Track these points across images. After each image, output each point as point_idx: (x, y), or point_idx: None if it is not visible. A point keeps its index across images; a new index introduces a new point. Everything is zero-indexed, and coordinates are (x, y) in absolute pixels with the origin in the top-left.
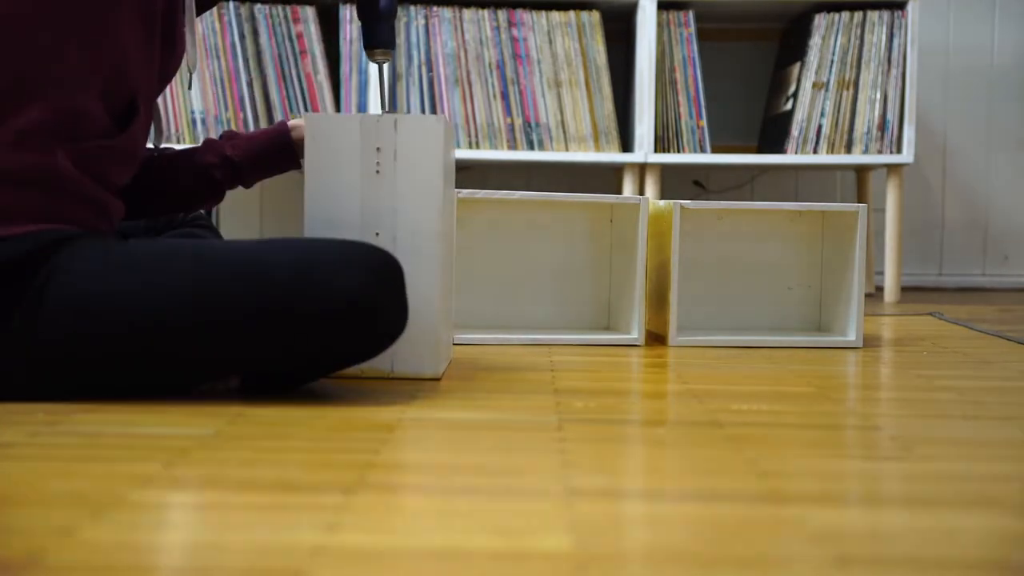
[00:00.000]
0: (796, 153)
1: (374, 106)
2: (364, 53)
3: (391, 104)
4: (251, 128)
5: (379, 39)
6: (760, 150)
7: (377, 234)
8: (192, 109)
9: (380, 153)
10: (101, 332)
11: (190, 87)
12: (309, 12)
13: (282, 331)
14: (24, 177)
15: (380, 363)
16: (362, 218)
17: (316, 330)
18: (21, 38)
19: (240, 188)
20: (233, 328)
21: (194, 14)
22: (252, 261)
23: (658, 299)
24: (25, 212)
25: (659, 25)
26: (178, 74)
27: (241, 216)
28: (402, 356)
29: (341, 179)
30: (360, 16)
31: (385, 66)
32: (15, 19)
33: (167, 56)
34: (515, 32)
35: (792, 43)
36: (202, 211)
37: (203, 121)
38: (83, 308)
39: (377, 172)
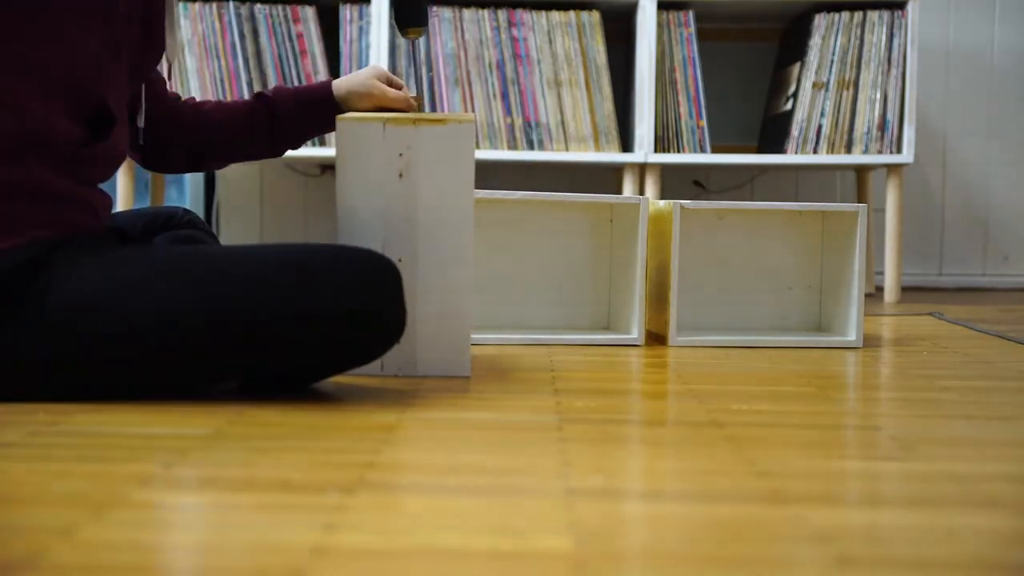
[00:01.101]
0: (796, 153)
1: None
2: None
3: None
4: None
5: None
6: (760, 150)
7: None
8: None
9: (402, 159)
10: (98, 337)
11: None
12: (309, 12)
13: (279, 336)
14: (3, 190)
15: (407, 366)
16: (386, 223)
17: (313, 335)
18: None
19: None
20: (229, 333)
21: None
22: (249, 266)
23: (658, 299)
24: (12, 222)
25: (659, 25)
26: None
27: (241, 219)
28: (431, 358)
29: (367, 183)
30: None
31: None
32: None
33: (147, 55)
34: (515, 32)
35: (792, 43)
36: (197, 214)
37: None
38: (82, 314)
39: (400, 177)
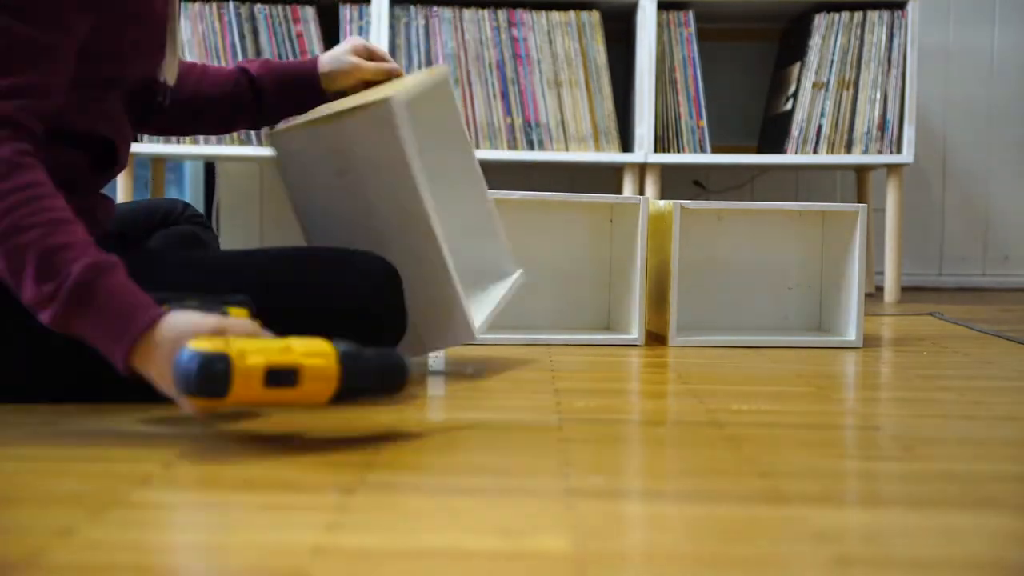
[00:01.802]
0: (796, 153)
1: None
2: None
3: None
4: None
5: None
6: (760, 150)
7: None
8: None
9: (337, 156)
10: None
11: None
12: (309, 12)
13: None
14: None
15: (417, 348)
16: (342, 223)
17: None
18: None
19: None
20: None
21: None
22: (249, 270)
23: (658, 299)
24: None
25: (659, 25)
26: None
27: (241, 219)
28: (434, 335)
29: (312, 189)
30: None
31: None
32: None
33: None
34: (515, 32)
35: (792, 43)
36: (199, 210)
37: None
38: None
39: (340, 175)
